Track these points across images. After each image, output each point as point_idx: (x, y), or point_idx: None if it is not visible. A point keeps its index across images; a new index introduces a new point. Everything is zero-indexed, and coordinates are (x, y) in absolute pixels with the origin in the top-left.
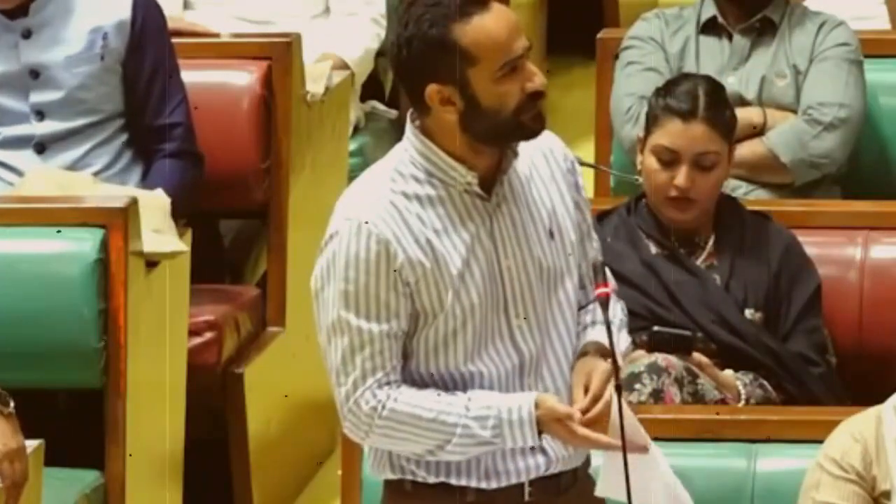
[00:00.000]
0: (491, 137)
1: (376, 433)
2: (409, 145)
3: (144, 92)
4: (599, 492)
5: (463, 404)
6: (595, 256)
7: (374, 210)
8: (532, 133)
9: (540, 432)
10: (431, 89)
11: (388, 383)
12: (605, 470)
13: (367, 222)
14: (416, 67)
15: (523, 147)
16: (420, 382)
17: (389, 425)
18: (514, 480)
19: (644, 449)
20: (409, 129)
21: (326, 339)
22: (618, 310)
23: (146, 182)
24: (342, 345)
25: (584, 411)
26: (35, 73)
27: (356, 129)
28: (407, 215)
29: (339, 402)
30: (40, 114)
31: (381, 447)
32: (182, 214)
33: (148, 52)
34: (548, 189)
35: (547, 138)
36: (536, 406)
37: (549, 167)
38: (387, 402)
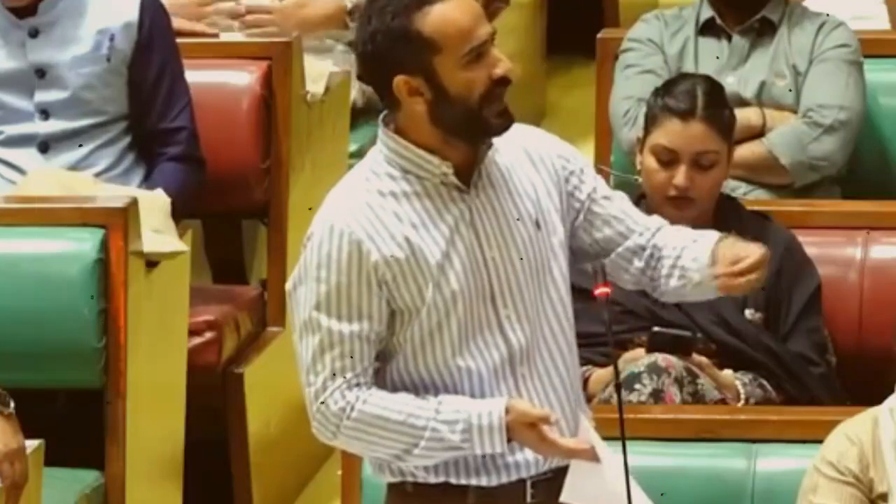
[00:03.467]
0: (460, 129)
1: (344, 434)
2: (382, 145)
3: (149, 95)
4: (564, 498)
5: (433, 408)
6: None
7: (348, 211)
8: (498, 129)
9: (509, 440)
10: (399, 81)
11: (358, 385)
12: (572, 475)
13: (339, 223)
14: (381, 60)
15: (503, 141)
16: (409, 381)
17: (358, 427)
18: (514, 476)
19: (596, 457)
20: (381, 130)
21: (298, 337)
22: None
23: (148, 184)
24: (313, 344)
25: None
26: (41, 72)
27: (354, 111)
28: (381, 213)
29: (308, 401)
30: (45, 113)
31: (349, 449)
32: (182, 217)
33: (154, 54)
34: (531, 180)
35: (528, 133)
36: (507, 411)
37: (531, 160)
38: (356, 404)
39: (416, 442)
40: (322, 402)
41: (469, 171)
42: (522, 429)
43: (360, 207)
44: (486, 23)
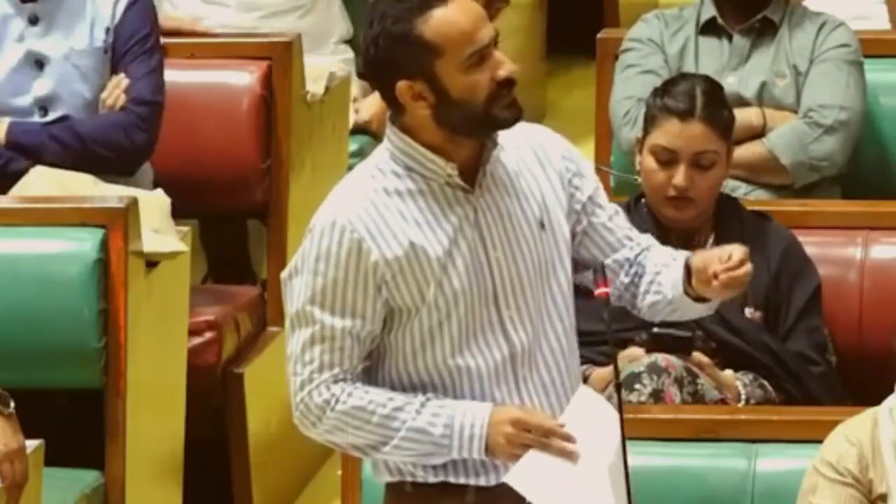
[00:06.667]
0: (467, 129)
1: (325, 425)
2: (389, 143)
3: (116, 69)
4: (508, 478)
5: (419, 401)
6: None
7: (351, 207)
8: (507, 122)
9: (488, 449)
10: (401, 86)
11: (344, 380)
12: (526, 463)
13: (341, 218)
14: (384, 65)
15: (510, 140)
16: (406, 380)
17: (340, 418)
18: None
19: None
20: (389, 128)
21: (290, 327)
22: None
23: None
24: (304, 335)
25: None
26: (40, 64)
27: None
28: (385, 212)
29: (292, 390)
30: (43, 109)
31: (328, 439)
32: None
33: (125, 33)
34: (537, 181)
35: (535, 132)
36: (491, 414)
37: (538, 160)
38: (340, 396)
39: (395, 433)
40: (307, 393)
41: (474, 171)
42: (503, 423)
43: (365, 205)
44: (488, 25)
